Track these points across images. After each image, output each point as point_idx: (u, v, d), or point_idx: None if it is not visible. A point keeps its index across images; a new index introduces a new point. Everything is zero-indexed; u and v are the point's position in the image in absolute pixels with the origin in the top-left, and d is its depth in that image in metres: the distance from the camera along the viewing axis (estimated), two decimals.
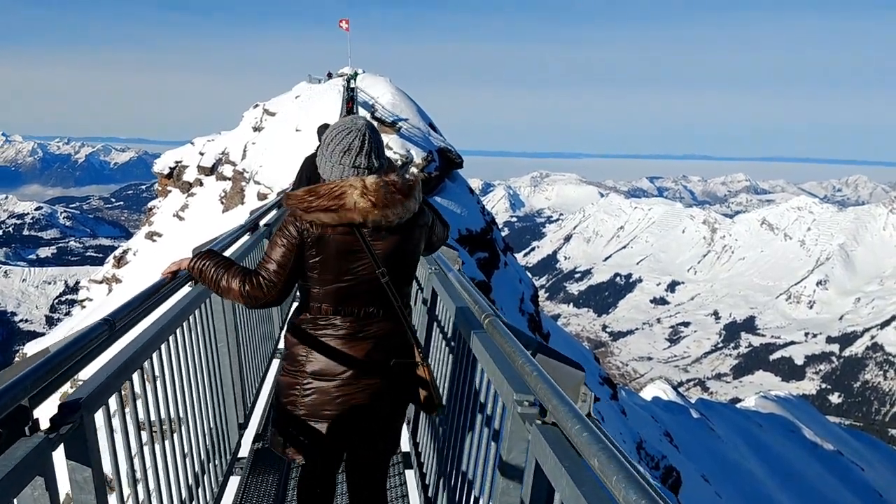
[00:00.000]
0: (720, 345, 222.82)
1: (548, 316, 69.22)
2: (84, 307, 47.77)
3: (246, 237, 5.63)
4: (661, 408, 64.43)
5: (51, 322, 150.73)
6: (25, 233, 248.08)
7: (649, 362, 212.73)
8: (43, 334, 72.89)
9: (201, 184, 46.90)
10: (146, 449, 2.73)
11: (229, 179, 43.04)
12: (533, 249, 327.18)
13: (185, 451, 3.27)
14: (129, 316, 2.59)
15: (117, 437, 2.42)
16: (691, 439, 59.30)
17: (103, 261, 61.38)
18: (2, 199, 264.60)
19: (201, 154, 48.86)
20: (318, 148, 2.99)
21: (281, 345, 4.76)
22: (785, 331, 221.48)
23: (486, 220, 42.55)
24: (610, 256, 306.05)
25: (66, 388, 2.29)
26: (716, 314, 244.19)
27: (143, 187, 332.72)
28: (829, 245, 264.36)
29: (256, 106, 50.63)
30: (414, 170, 36.01)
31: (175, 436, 3.13)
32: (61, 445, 1.97)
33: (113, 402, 2.38)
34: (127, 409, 2.51)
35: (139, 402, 2.68)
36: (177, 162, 50.76)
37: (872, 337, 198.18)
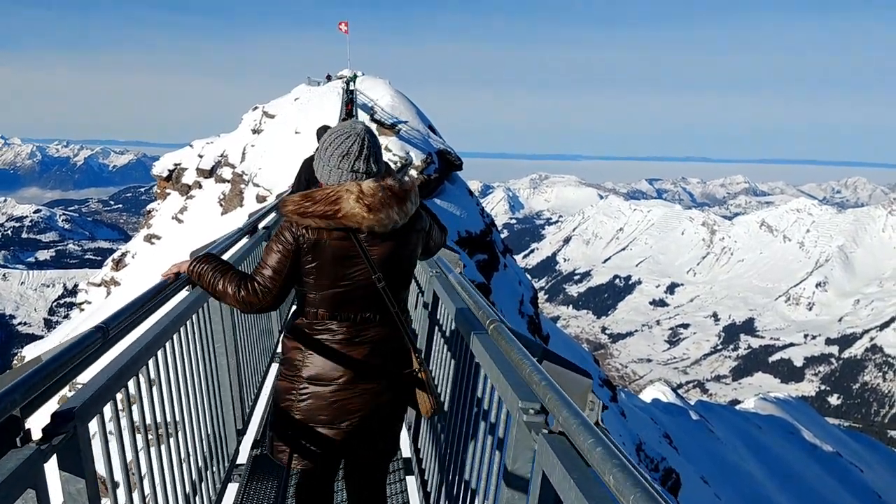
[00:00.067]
0: (719, 346, 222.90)
1: (547, 318, 69.15)
2: (83, 310, 47.71)
3: (245, 240, 5.59)
4: (660, 409, 64.36)
5: (49, 325, 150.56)
6: (24, 236, 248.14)
7: (649, 364, 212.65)
8: (41, 337, 72.87)
9: (200, 186, 46.85)
10: (142, 456, 2.67)
11: (228, 182, 43.00)
12: (532, 251, 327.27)
13: (182, 457, 3.22)
14: (124, 323, 2.53)
15: (112, 445, 2.37)
16: (691, 441, 59.23)
17: (102, 263, 61.17)
18: (0, 201, 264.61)
19: (200, 156, 48.82)
20: (316, 151, 2.97)
21: (280, 349, 4.72)
22: (784, 332, 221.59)
23: (485, 222, 42.53)
24: (609, 258, 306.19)
25: (66, 391, 2.25)
26: (715, 316, 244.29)
27: (142, 190, 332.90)
28: (829, 247, 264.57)
29: (256, 108, 50.61)
30: (413, 172, 35.98)
31: (172, 442, 3.08)
32: (54, 456, 1.91)
33: (108, 410, 2.32)
34: (122, 417, 2.45)
35: (135, 409, 2.62)
36: (176, 164, 50.71)
37: (871, 339, 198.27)
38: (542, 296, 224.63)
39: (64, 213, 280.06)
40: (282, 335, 3.65)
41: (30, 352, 43.66)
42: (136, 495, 2.59)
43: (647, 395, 73.28)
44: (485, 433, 2.68)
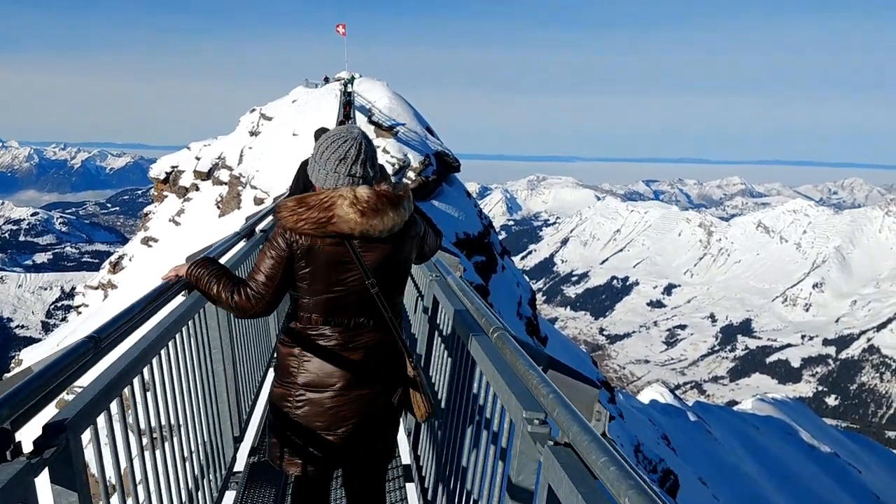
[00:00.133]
0: (717, 347, 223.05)
1: (545, 319, 69.18)
2: (80, 313, 47.58)
3: (242, 244, 5.54)
4: (658, 411, 64.35)
5: (47, 328, 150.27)
6: (21, 238, 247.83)
7: (646, 365, 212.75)
8: (39, 340, 72.68)
9: (198, 189, 46.78)
10: (136, 463, 2.63)
11: (226, 184, 42.93)
12: (530, 253, 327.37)
13: (178, 466, 3.17)
14: (116, 332, 2.48)
15: (106, 453, 2.32)
16: (688, 442, 59.23)
17: (99, 266, 61.07)
18: None
19: (198, 159, 48.73)
20: (311, 155, 2.95)
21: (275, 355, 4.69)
22: (781, 333, 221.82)
23: (483, 223, 42.51)
24: (607, 259, 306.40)
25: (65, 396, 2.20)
26: (712, 317, 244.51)
27: (140, 192, 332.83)
28: (825, 248, 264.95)
29: (253, 110, 50.56)
30: (412, 174, 35.96)
31: (167, 450, 3.03)
32: (46, 470, 1.86)
33: (101, 419, 2.28)
34: (116, 425, 2.40)
35: (129, 417, 2.57)
36: (173, 167, 50.62)
37: (869, 339, 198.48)
38: (539, 297, 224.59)
39: (61, 216, 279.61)
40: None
41: (27, 355, 43.55)
42: None
43: (644, 397, 73.24)
44: (487, 442, 2.63)
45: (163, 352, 2.98)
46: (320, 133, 6.34)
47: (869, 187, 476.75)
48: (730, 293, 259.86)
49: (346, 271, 2.76)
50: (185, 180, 48.20)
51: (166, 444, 3.01)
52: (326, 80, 50.19)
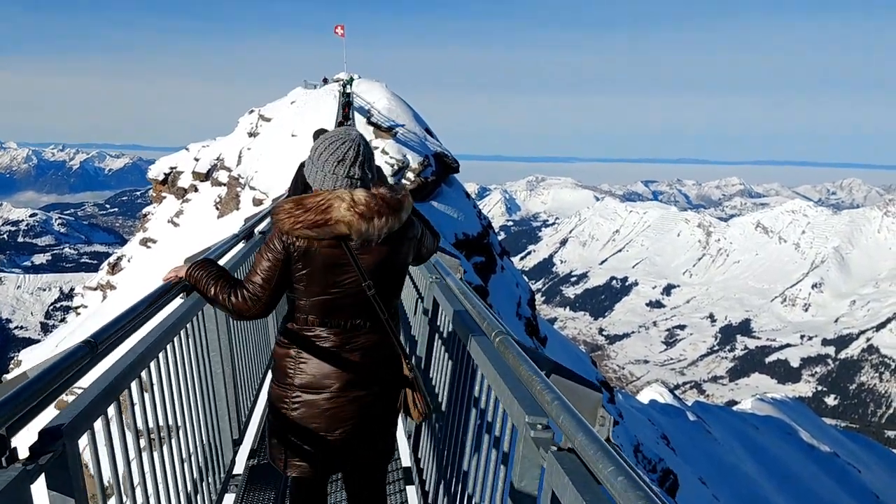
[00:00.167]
0: (716, 347, 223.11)
1: (544, 319, 69.15)
2: (79, 314, 47.56)
3: (241, 245, 5.52)
4: (657, 411, 64.36)
5: (46, 329, 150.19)
6: (20, 239, 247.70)
7: (646, 365, 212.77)
8: (38, 341, 72.58)
9: (196, 190, 46.76)
10: (134, 466, 2.61)
11: (224, 185, 42.92)
12: (529, 253, 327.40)
13: (177, 468, 3.16)
14: (113, 337, 2.46)
15: (104, 456, 2.30)
16: (688, 442, 59.23)
17: (98, 267, 61.06)
18: None
19: (196, 160, 48.71)
20: (308, 156, 2.95)
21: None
22: (780, 333, 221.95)
23: (482, 224, 42.53)
24: (606, 260, 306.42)
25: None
26: (711, 317, 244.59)
27: (138, 193, 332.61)
28: (824, 248, 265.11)
29: (252, 111, 50.55)
30: (411, 175, 35.95)
31: (166, 453, 3.01)
32: (42, 476, 1.83)
33: (99, 424, 2.25)
34: (113, 426, 2.38)
35: (127, 419, 2.54)
36: (171, 168, 50.59)
37: (868, 339, 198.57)
38: (539, 297, 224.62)
39: (60, 217, 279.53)
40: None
41: (26, 356, 43.53)
42: None
43: (644, 397, 73.23)
44: (488, 446, 2.59)
45: (161, 355, 2.96)
46: (319, 134, 6.31)
47: (867, 187, 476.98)
48: (729, 293, 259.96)
49: (342, 273, 2.76)
50: (184, 181, 48.18)
51: (165, 447, 2.99)
52: (325, 81, 50.17)
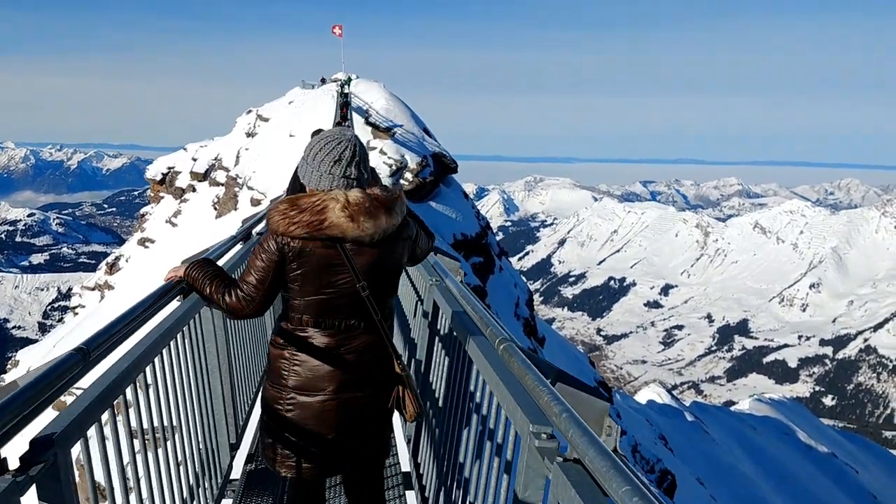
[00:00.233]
0: (714, 348, 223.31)
1: (542, 320, 69.16)
2: (77, 314, 47.52)
3: (238, 247, 5.48)
4: (655, 411, 64.42)
5: (44, 329, 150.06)
6: (18, 239, 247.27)
7: (643, 365, 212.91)
8: (36, 341, 72.56)
9: (194, 190, 46.72)
10: (130, 472, 2.56)
11: (222, 185, 42.87)
12: (527, 254, 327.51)
13: (173, 473, 3.11)
14: (106, 343, 2.40)
15: (98, 460, 2.26)
16: (686, 442, 59.28)
17: (96, 267, 61.05)
18: None
19: (194, 160, 48.68)
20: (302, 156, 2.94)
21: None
22: (778, 333, 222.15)
23: (480, 224, 42.52)
24: (604, 260, 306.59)
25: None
26: (709, 317, 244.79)
27: (136, 193, 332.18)
28: (822, 248, 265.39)
29: (250, 111, 50.53)
30: (409, 175, 35.91)
31: (162, 457, 2.97)
32: (33, 487, 1.77)
33: (93, 431, 2.20)
34: (108, 436, 2.33)
35: (122, 424, 2.49)
36: (169, 168, 50.56)
37: (866, 339, 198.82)
38: (537, 298, 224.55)
39: (58, 217, 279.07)
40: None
41: (24, 356, 43.52)
42: None
43: (642, 397, 73.29)
44: (490, 454, 2.55)
45: (156, 360, 2.92)
46: (317, 134, 6.29)
47: (865, 188, 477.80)
48: (727, 293, 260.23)
49: (337, 274, 2.76)
50: (182, 181, 48.14)
51: (160, 452, 2.95)
52: (323, 82, 50.15)
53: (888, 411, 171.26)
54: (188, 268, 3.10)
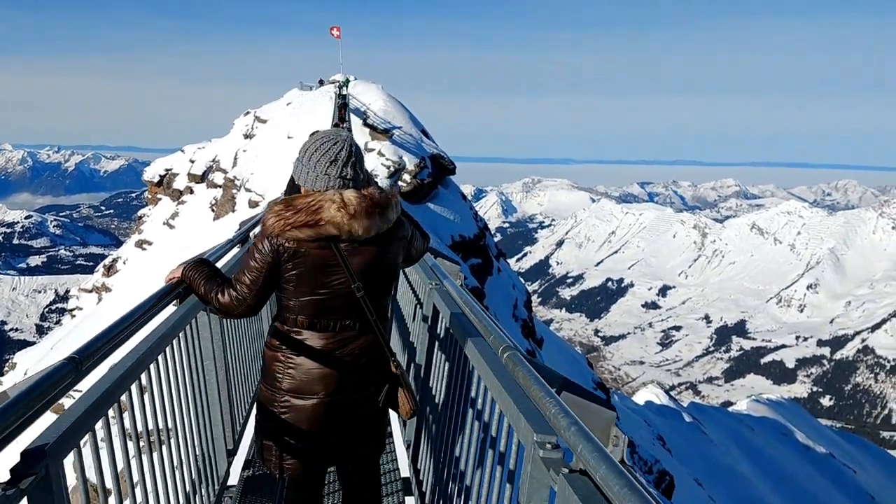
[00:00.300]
0: (711, 348, 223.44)
1: (540, 321, 69.18)
2: (74, 316, 47.42)
3: (236, 250, 5.43)
4: (653, 412, 64.43)
5: (41, 331, 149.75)
6: (15, 241, 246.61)
7: (641, 366, 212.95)
8: (33, 343, 72.33)
9: (192, 191, 46.66)
10: (124, 479, 2.52)
11: (220, 187, 42.80)
12: (525, 255, 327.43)
13: (169, 480, 3.07)
14: (98, 352, 2.34)
15: (92, 469, 2.22)
16: (684, 443, 59.29)
17: (93, 269, 60.92)
18: None
19: (192, 162, 48.63)
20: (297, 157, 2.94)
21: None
22: (776, 334, 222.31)
23: (478, 226, 42.51)
24: (602, 261, 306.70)
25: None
26: (707, 318, 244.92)
27: (134, 195, 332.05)
28: (820, 249, 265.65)
29: (247, 113, 50.48)
30: (407, 177, 35.87)
31: (157, 464, 2.93)
32: (24, 500, 1.70)
33: (86, 438, 2.14)
34: (102, 447, 2.29)
35: (117, 430, 2.44)
36: (167, 170, 50.53)
37: (863, 340, 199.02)
38: (535, 299, 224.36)
39: (55, 219, 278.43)
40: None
41: (21, 358, 43.39)
42: None
43: (640, 398, 73.31)
44: (493, 463, 2.49)
45: (152, 366, 2.87)
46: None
47: (863, 189, 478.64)
48: (724, 294, 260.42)
49: (332, 274, 2.76)
50: (180, 183, 48.10)
51: (156, 458, 2.91)
52: (321, 83, 50.09)
53: (886, 411, 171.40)
54: (185, 268, 3.13)
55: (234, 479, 4.40)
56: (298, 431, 2.90)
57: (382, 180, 32.48)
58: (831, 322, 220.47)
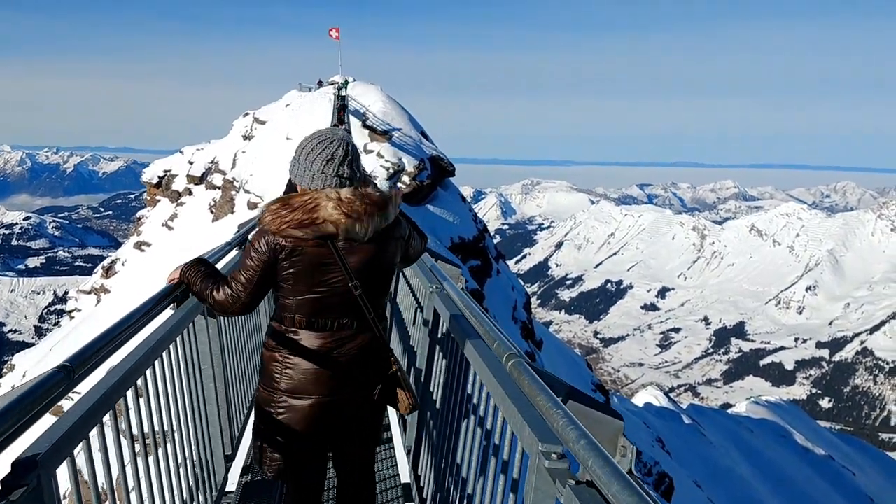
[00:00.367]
0: (710, 350, 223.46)
1: (540, 323, 69.14)
2: (73, 317, 47.36)
3: (234, 253, 5.38)
4: (652, 414, 64.36)
5: (40, 332, 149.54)
6: (14, 243, 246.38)
7: (640, 368, 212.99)
8: (32, 345, 72.22)
9: (191, 193, 46.62)
10: (120, 486, 2.47)
11: (219, 188, 42.76)
12: (524, 257, 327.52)
13: (165, 486, 3.02)
14: (91, 360, 2.28)
15: (86, 476, 2.18)
16: (683, 445, 59.24)
17: (92, 271, 60.88)
18: None
19: (190, 163, 48.59)
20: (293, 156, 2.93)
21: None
22: (775, 336, 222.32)
23: (478, 227, 42.48)
24: (601, 263, 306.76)
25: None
26: (706, 320, 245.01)
27: (132, 197, 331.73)
28: (818, 251, 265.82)
29: (246, 114, 50.45)
30: (406, 178, 35.84)
31: (153, 470, 2.88)
32: None
33: (81, 446, 2.09)
34: (96, 451, 2.23)
35: (112, 436, 2.39)
36: (166, 171, 50.50)
37: (862, 342, 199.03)
38: (534, 301, 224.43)
39: (54, 220, 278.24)
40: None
41: (20, 360, 43.32)
42: None
43: (639, 400, 73.27)
44: (496, 472, 2.43)
45: (148, 372, 2.83)
46: None
47: (861, 190, 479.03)
48: (723, 296, 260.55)
49: (329, 273, 2.76)
50: (178, 184, 48.06)
51: (152, 463, 2.86)
52: (320, 84, 50.07)
53: (885, 413, 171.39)
54: (184, 268, 3.14)
55: (232, 485, 4.34)
56: (297, 432, 2.89)
57: (382, 182, 32.45)
58: (830, 324, 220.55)
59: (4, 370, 45.52)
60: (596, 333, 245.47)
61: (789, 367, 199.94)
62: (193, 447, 3.49)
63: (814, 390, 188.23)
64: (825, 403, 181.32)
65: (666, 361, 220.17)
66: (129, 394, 2.57)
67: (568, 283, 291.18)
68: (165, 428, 3.07)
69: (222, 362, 4.14)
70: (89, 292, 47.40)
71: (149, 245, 44.60)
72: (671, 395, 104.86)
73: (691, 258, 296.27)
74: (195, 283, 3.01)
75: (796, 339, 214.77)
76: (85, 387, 2.26)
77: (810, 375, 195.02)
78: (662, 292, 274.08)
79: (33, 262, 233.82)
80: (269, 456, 2.98)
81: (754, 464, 62.71)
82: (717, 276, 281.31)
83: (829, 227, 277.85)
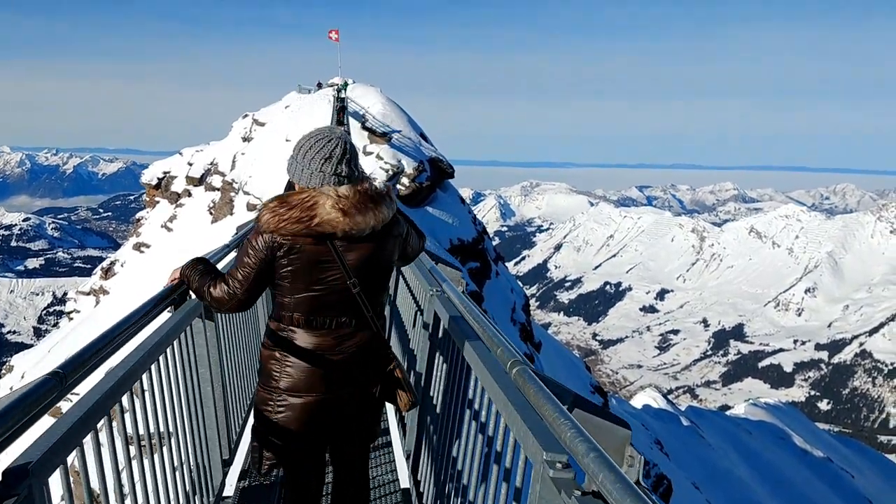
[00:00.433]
0: (709, 352, 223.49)
1: (538, 325, 69.11)
2: (72, 319, 47.28)
3: (232, 255, 5.36)
4: (651, 415, 64.29)
5: (39, 333, 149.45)
6: (13, 244, 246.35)
7: (639, 370, 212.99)
8: (31, 346, 72.15)
9: (190, 194, 46.55)
10: (115, 490, 2.42)
11: (218, 190, 42.71)
12: (523, 258, 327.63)
13: (162, 491, 2.99)
14: (83, 367, 2.22)
15: (80, 482, 2.16)
16: (681, 447, 59.18)
17: (91, 272, 60.89)
18: None
19: (190, 164, 48.54)
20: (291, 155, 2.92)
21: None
22: (773, 338, 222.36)
23: (477, 229, 42.43)
24: (600, 265, 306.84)
25: None
26: (705, 322, 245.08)
27: (132, 198, 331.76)
28: (818, 253, 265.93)
29: (246, 116, 50.38)
30: (406, 180, 35.83)
31: (149, 475, 2.84)
32: None
33: (75, 453, 2.04)
34: (90, 458, 2.18)
35: (105, 444, 2.33)
36: (165, 172, 50.42)
37: (861, 344, 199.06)
38: (533, 303, 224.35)
39: (53, 222, 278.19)
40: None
41: (18, 361, 43.24)
42: None
43: (637, 401, 73.18)
44: (498, 480, 2.38)
45: (144, 376, 2.78)
46: None
47: (861, 192, 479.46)
48: (722, 298, 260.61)
49: (327, 271, 2.77)
50: (178, 186, 48.00)
51: (148, 469, 2.82)
52: (319, 86, 50.03)
53: (883, 415, 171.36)
54: (183, 267, 3.17)
55: (229, 490, 4.29)
56: (296, 430, 2.89)
57: (381, 184, 32.39)
58: (829, 326, 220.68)
59: (3, 371, 45.45)
60: (595, 335, 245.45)
61: (788, 368, 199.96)
62: (190, 451, 3.46)
63: (812, 392, 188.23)
64: (824, 405, 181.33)
65: (664, 363, 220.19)
66: (125, 398, 2.53)
67: (567, 284, 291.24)
68: (163, 433, 3.05)
69: (220, 365, 4.10)
70: (88, 293, 47.33)
71: (148, 246, 44.53)
72: (670, 396, 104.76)
73: (690, 260, 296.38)
74: (194, 280, 3.03)
75: (795, 341, 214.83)
76: (81, 390, 2.22)
77: (809, 377, 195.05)
78: (661, 294, 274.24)
79: (32, 263, 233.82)
80: (266, 455, 2.97)
81: (753, 466, 62.66)
82: (716, 278, 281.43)
83: (829, 229, 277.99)
